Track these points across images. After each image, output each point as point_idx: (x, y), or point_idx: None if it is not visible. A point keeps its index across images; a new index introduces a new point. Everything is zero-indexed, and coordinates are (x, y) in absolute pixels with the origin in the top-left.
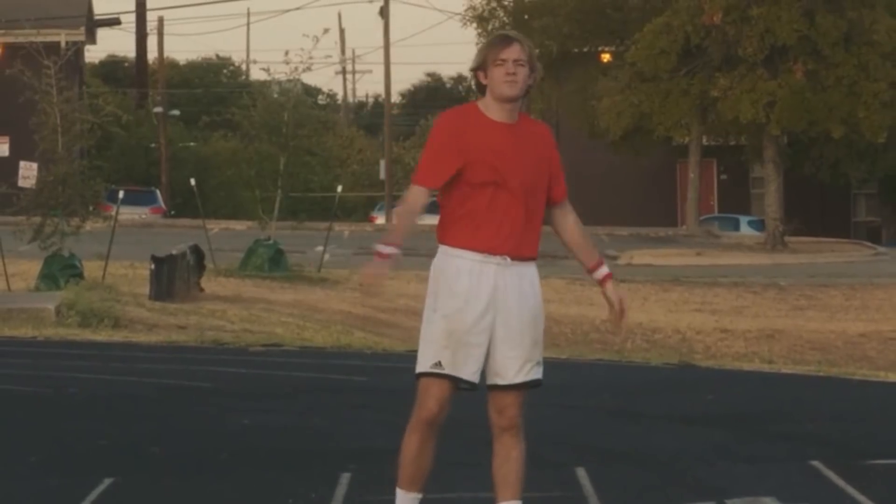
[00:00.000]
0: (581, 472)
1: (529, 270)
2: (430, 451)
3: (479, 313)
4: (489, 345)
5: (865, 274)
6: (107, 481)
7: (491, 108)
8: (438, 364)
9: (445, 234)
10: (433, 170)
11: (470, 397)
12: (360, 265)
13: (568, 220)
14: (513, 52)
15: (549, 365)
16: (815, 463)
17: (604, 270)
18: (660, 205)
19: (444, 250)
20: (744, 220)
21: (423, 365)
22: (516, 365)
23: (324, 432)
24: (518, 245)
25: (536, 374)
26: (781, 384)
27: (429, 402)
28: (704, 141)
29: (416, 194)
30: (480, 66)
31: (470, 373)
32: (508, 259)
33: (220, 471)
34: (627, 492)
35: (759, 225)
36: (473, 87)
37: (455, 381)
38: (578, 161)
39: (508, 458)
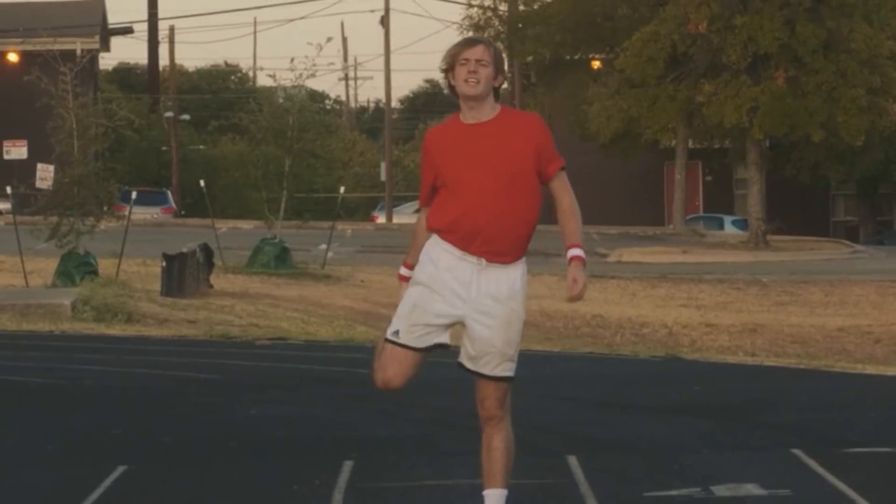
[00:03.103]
0: (573, 461)
1: (511, 273)
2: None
3: (447, 303)
4: (465, 333)
5: (844, 271)
6: (120, 469)
7: (465, 113)
8: (397, 333)
9: (433, 223)
10: (422, 191)
11: (467, 389)
12: (362, 263)
13: (560, 203)
14: (475, 53)
15: (542, 358)
16: (797, 451)
17: (573, 252)
18: (648, 205)
19: (434, 238)
20: (728, 219)
21: (389, 330)
22: (492, 360)
23: (327, 422)
24: (494, 248)
25: (507, 370)
26: (764, 376)
27: (389, 362)
28: (690, 144)
29: (422, 214)
30: (449, 68)
31: (427, 343)
32: (484, 262)
33: (229, 459)
34: (617, 479)
35: (742, 224)
36: (446, 89)
37: (418, 350)
38: (570, 163)
39: (490, 449)
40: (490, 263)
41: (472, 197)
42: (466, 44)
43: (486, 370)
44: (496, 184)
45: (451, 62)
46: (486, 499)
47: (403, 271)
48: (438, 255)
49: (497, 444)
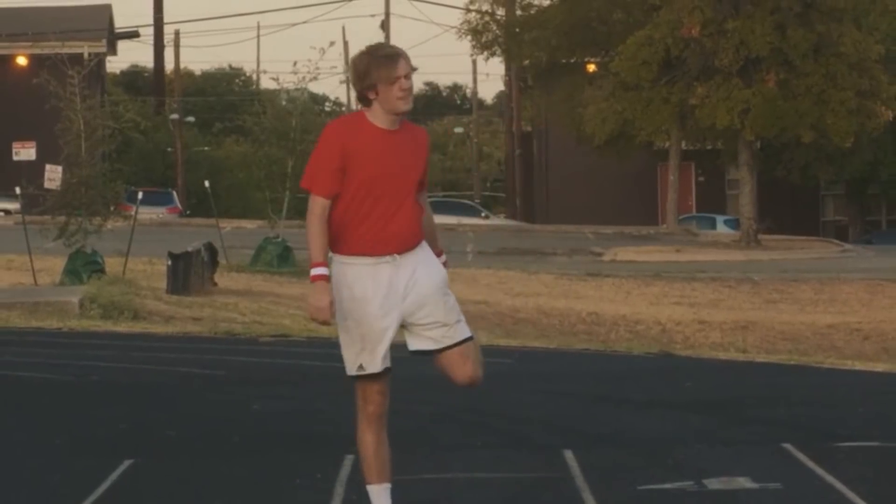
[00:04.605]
0: (568, 454)
1: (420, 254)
2: (386, 442)
3: (384, 313)
4: (409, 325)
5: (833, 270)
6: (127, 462)
7: (379, 118)
8: (361, 367)
9: (334, 242)
10: (322, 179)
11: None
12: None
13: (426, 212)
14: (403, 68)
15: (539, 354)
16: (787, 445)
17: (442, 259)
18: (641, 205)
19: (338, 259)
20: (720, 219)
21: (349, 369)
22: (441, 331)
23: (329, 417)
24: (404, 241)
25: (463, 332)
26: (755, 372)
27: (372, 397)
28: (683, 145)
29: (315, 203)
30: (371, 87)
31: (388, 364)
32: (397, 256)
33: (232, 453)
34: (612, 473)
35: (734, 224)
36: (357, 100)
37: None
38: (566, 164)
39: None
40: (403, 255)
41: (389, 203)
42: (389, 60)
43: (450, 340)
44: (409, 190)
45: (377, 80)
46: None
47: (318, 270)
48: (353, 278)
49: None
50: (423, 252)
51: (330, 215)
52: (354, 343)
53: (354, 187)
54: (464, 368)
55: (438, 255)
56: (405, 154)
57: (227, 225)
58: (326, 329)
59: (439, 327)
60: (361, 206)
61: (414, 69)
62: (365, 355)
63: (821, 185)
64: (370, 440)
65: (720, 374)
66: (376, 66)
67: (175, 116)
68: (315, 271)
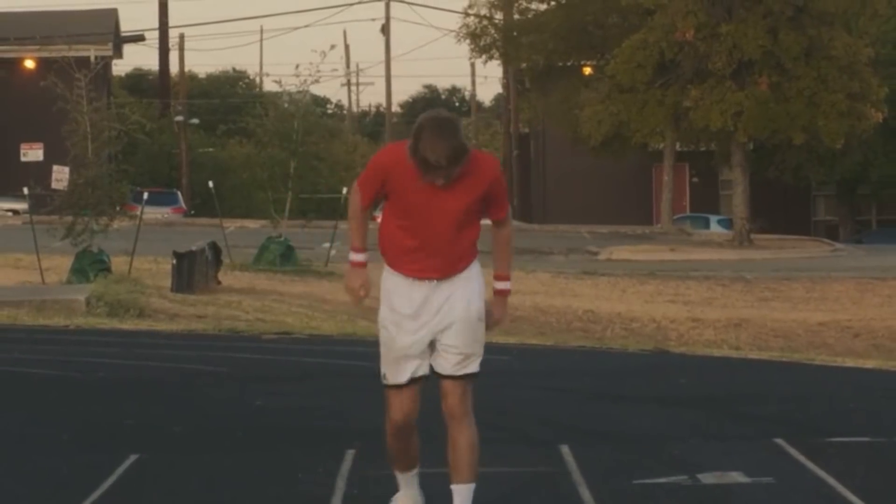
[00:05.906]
0: (565, 450)
1: (463, 278)
2: (415, 439)
3: (414, 329)
4: (431, 342)
5: (824, 268)
6: (132, 457)
7: None
8: (384, 376)
9: (383, 253)
10: (366, 189)
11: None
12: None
13: (497, 234)
14: (441, 156)
15: (535, 351)
16: (779, 440)
17: (501, 285)
18: (637, 205)
19: (385, 267)
20: (713, 219)
21: (381, 374)
22: (454, 360)
23: (331, 412)
24: (445, 268)
25: (469, 368)
26: (748, 369)
27: (396, 405)
28: (677, 147)
29: (355, 200)
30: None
31: (412, 376)
32: (436, 281)
33: (236, 448)
34: (607, 467)
35: (727, 223)
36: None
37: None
38: (563, 165)
39: (456, 447)
40: (443, 280)
41: (426, 236)
42: (434, 149)
43: (447, 370)
44: (451, 223)
45: (419, 156)
46: (454, 493)
47: (356, 257)
48: (392, 288)
49: (462, 443)
50: (468, 277)
51: (381, 230)
52: (384, 351)
53: (397, 217)
54: (452, 400)
55: (501, 278)
56: (450, 189)
57: (231, 224)
58: (327, 327)
59: (456, 354)
60: (405, 238)
61: (463, 150)
62: (390, 365)
63: (812, 185)
64: (398, 443)
65: (714, 370)
66: (424, 143)
67: (180, 118)
68: (352, 257)
